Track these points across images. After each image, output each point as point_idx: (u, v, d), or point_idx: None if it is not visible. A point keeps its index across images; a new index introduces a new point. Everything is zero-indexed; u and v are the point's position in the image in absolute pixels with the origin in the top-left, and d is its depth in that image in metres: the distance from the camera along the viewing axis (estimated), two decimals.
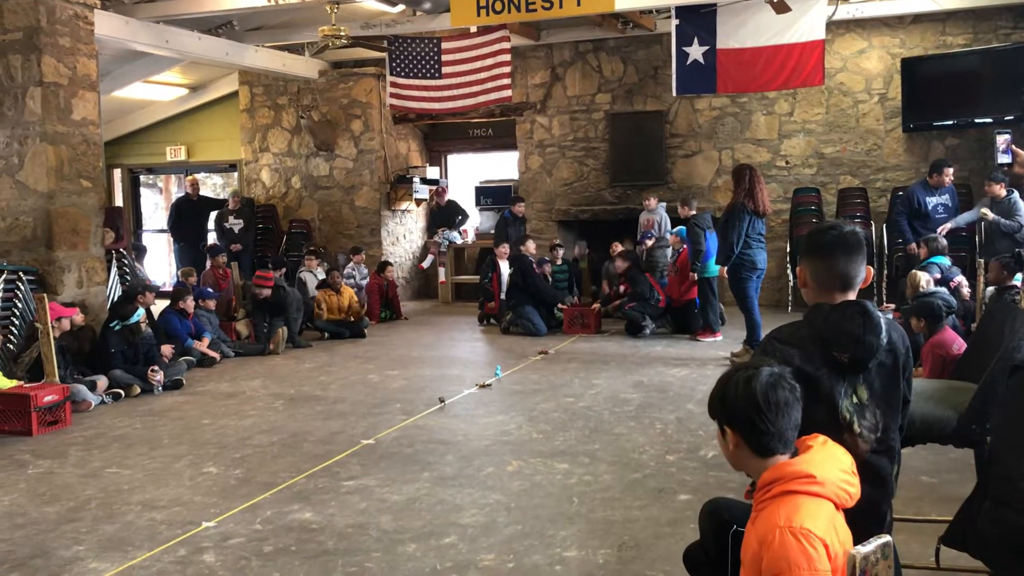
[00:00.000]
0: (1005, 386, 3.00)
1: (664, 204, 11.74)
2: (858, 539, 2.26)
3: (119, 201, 15.20)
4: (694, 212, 10.03)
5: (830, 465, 2.28)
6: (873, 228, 11.24)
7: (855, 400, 2.59)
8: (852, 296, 2.69)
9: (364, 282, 12.08)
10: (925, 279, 7.15)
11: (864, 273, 2.70)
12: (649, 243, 11.09)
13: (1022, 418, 2.88)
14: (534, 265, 10.93)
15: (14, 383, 6.81)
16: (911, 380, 2.78)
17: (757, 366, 2.35)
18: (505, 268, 11.37)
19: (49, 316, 7.30)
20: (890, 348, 2.65)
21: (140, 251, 12.64)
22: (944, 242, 8.37)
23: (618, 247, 11.20)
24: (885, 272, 11.16)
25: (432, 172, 14.42)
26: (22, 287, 7.93)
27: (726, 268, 8.52)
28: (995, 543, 2.77)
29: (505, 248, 11.54)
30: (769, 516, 2.18)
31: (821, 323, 2.62)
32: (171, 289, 10.23)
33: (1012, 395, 2.92)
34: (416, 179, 13.84)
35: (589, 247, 12.76)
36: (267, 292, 10.01)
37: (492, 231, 13.14)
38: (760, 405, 2.28)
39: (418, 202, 14.35)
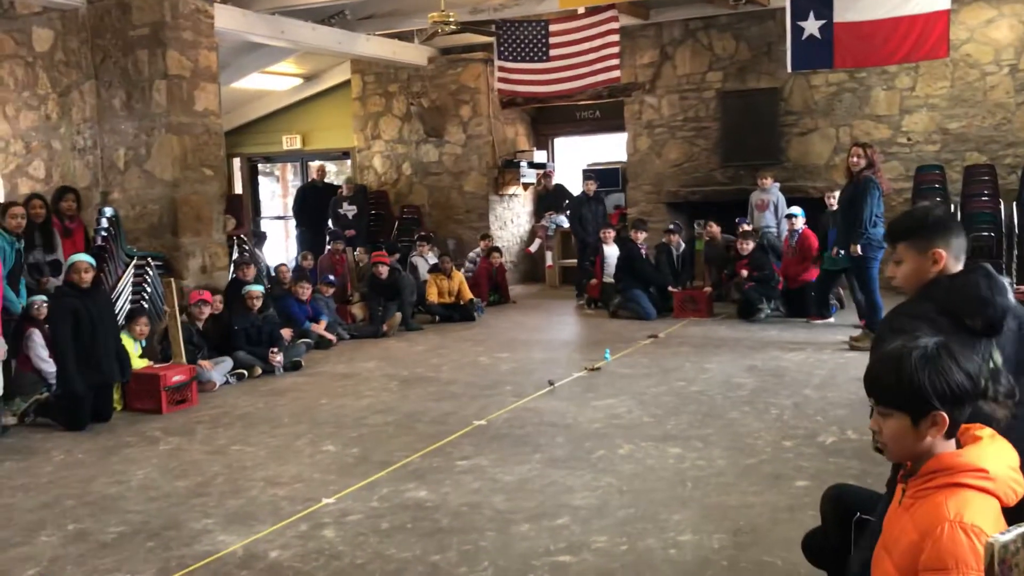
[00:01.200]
0: None
1: (778, 184, 11.42)
2: None
3: (238, 189, 15.74)
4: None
5: (1000, 460, 2.14)
6: (1003, 207, 10.69)
7: (991, 365, 2.49)
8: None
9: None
10: None
11: None
12: (747, 227, 10.68)
13: None
14: (642, 249, 10.83)
15: (146, 363, 7.15)
16: None
17: (928, 343, 2.18)
18: (610, 251, 11.30)
19: (176, 300, 7.64)
20: (1015, 314, 2.64)
21: (260, 237, 13.08)
22: None
23: (713, 227, 11.13)
24: (1016, 252, 10.62)
25: (539, 156, 14.43)
26: (151, 272, 8.31)
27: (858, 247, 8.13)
28: None
29: (611, 232, 11.49)
30: (935, 507, 2.07)
31: (944, 294, 2.60)
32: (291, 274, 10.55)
33: None
34: (523, 163, 13.88)
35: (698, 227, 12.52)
36: (385, 270, 10.25)
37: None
38: (976, 380, 2.14)
39: (525, 186, 14.38)
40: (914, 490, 2.17)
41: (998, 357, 2.54)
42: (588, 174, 13.12)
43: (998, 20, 10.99)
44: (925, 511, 2.09)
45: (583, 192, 12.26)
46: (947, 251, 2.71)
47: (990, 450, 2.16)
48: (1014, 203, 10.64)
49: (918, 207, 2.97)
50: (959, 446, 2.19)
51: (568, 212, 12.93)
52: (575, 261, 12.77)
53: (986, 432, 2.22)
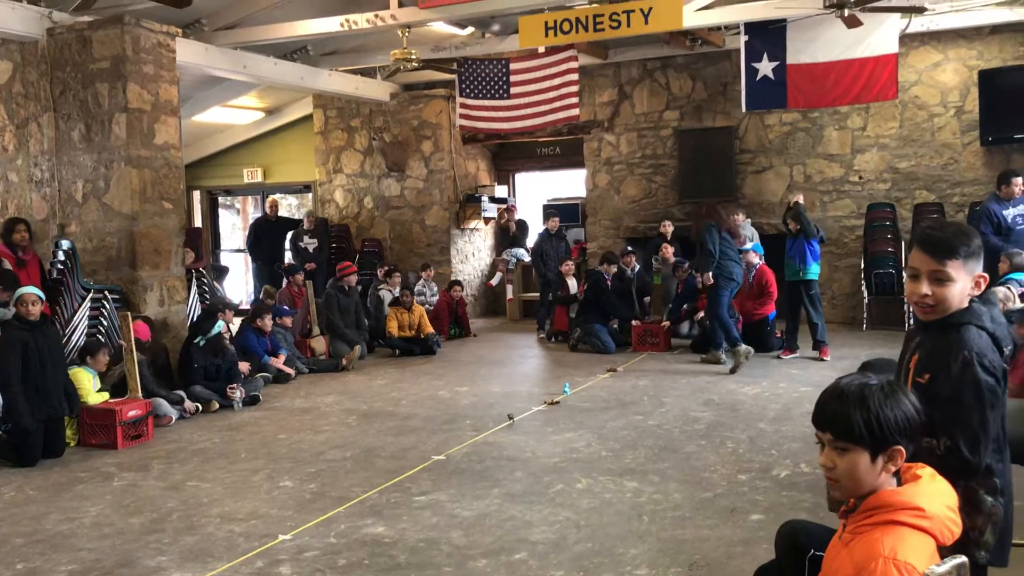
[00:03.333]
0: None
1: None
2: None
3: (198, 222, 15.64)
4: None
5: (938, 500, 2.20)
6: None
7: None
8: None
9: (434, 299, 12.23)
10: (1003, 293, 6.93)
11: None
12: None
13: None
14: (608, 281, 10.94)
15: (103, 397, 7.06)
16: None
17: (882, 380, 2.26)
18: (569, 284, 11.44)
19: (132, 333, 7.57)
20: None
21: (220, 271, 12.98)
22: None
23: (668, 249, 11.39)
24: None
25: (500, 191, 14.55)
26: (107, 305, 8.22)
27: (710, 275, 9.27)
28: None
29: (570, 266, 11.63)
30: (871, 544, 2.12)
31: (990, 323, 2.59)
32: (249, 307, 10.52)
33: None
34: (485, 198, 13.99)
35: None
36: (354, 279, 10.33)
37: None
38: (922, 415, 2.23)
39: (486, 220, 14.47)
40: (853, 526, 2.23)
41: None
42: (550, 210, 13.25)
43: (944, 64, 11.35)
44: (862, 547, 2.15)
45: (546, 228, 12.38)
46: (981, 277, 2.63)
47: (929, 489, 2.22)
48: None
49: (959, 224, 2.74)
50: (900, 484, 2.26)
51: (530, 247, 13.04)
52: (536, 295, 12.85)
53: (927, 471, 2.28)
